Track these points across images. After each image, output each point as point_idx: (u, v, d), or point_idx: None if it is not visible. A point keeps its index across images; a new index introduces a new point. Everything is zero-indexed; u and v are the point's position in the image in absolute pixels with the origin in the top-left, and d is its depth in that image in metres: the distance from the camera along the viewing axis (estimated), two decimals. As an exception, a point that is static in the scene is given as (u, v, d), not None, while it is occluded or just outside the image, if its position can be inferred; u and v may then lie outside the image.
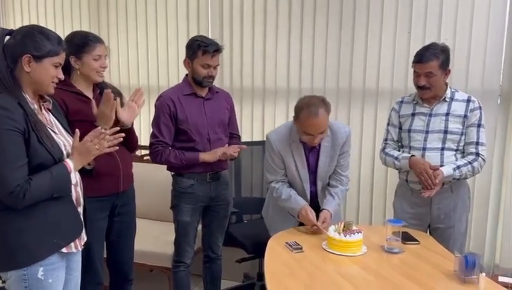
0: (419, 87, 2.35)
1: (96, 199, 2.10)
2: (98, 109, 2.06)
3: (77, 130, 1.73)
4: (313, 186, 2.44)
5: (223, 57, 3.50)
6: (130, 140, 2.21)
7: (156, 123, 2.47)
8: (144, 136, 3.75)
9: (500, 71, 2.91)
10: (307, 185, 2.41)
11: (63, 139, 1.72)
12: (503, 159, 2.98)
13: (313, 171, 2.41)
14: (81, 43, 2.08)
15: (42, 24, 3.97)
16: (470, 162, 2.33)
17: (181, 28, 3.63)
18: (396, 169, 2.51)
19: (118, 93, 2.23)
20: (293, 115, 2.29)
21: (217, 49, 2.42)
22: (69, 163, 1.67)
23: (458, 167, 2.31)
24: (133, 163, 3.31)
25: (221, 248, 2.76)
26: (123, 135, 1.79)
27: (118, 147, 1.79)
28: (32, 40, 1.61)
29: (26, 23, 4.13)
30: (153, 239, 3.00)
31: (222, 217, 2.67)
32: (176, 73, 3.61)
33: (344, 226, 2.11)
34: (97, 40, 2.12)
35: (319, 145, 2.35)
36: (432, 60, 2.28)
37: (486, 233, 3.06)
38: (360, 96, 3.22)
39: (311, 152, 2.39)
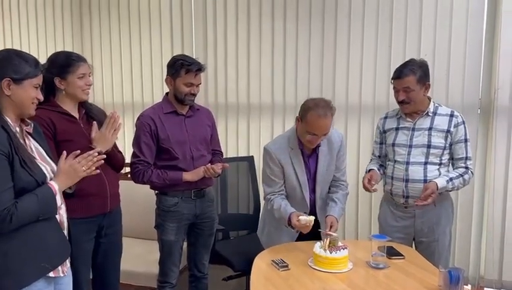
0: (399, 102, 2.40)
1: (83, 220, 2.07)
2: (99, 131, 2.05)
3: (64, 152, 1.71)
4: (312, 194, 2.43)
5: (208, 74, 3.52)
6: (113, 161, 2.20)
7: (136, 143, 2.44)
8: (128, 154, 3.74)
9: (479, 85, 2.97)
10: (306, 193, 2.39)
11: (44, 164, 1.70)
12: (484, 172, 3.02)
13: (312, 178, 2.41)
14: (65, 64, 2.07)
15: (25, 44, 4.03)
16: (461, 175, 2.37)
17: (165, 46, 3.64)
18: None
19: (103, 114, 2.23)
20: (298, 115, 2.29)
21: (199, 68, 2.42)
22: (54, 185, 1.65)
23: (451, 179, 2.35)
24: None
25: (207, 266, 2.72)
26: (104, 157, 1.79)
27: (98, 171, 1.79)
28: (11, 63, 1.60)
29: (8, 45, 4.11)
30: (138, 258, 2.95)
31: (207, 234, 2.64)
32: (160, 90, 3.61)
33: (330, 243, 2.11)
34: (80, 58, 2.12)
35: (317, 149, 2.36)
36: (409, 75, 2.33)
37: (471, 245, 3.09)
38: (343, 111, 3.24)
39: (310, 157, 2.39)
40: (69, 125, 2.08)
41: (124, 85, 3.82)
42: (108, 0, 3.78)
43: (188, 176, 2.42)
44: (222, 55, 3.52)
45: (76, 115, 2.14)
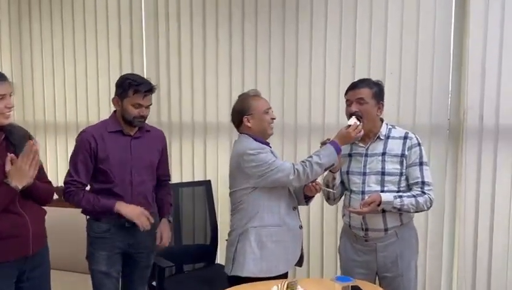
0: (351, 115, 2.22)
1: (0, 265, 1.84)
2: (14, 165, 1.81)
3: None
4: None
5: (160, 91, 3.29)
6: (37, 194, 1.96)
7: (73, 160, 2.27)
8: (61, 178, 3.45)
9: (448, 105, 2.83)
10: None
11: None
12: (455, 196, 2.88)
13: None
14: None
15: None
16: (414, 196, 2.18)
17: (113, 62, 3.39)
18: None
19: (27, 137, 1.96)
20: (245, 116, 2.24)
21: (150, 89, 2.25)
22: None
23: (400, 197, 2.16)
24: (59, 208, 2.97)
25: None
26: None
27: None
28: None
29: None
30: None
31: (143, 266, 2.42)
32: (107, 109, 3.31)
33: (287, 287, 1.88)
34: None
35: None
36: (365, 87, 2.21)
37: (442, 273, 2.94)
38: (306, 131, 3.06)
39: None
40: None
41: (67, 103, 3.54)
42: (50, 10, 3.49)
43: (121, 208, 2.21)
44: (176, 71, 3.29)
45: None
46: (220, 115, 3.22)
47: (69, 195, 2.25)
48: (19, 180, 1.80)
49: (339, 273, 2.50)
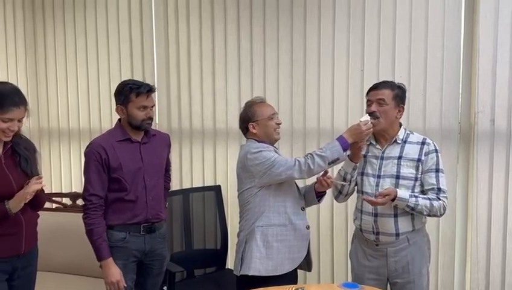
0: (369, 115, 2.21)
1: None
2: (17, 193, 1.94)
3: None
4: None
5: (170, 97, 3.34)
6: (34, 203, 2.05)
7: (86, 174, 2.27)
8: (75, 184, 3.50)
9: (458, 108, 2.80)
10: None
11: None
12: (466, 201, 2.83)
13: None
14: None
15: None
16: (429, 199, 2.16)
17: (124, 68, 3.42)
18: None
19: (31, 150, 2.08)
20: (251, 123, 2.28)
21: (150, 89, 2.30)
22: None
23: (415, 196, 2.14)
24: (62, 213, 3.11)
25: None
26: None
27: None
28: None
29: None
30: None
31: (156, 274, 2.44)
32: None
33: (296, 294, 1.88)
34: (15, 103, 1.91)
35: None
36: (386, 88, 2.21)
37: (454, 279, 2.89)
38: (315, 136, 3.05)
39: None
40: None
41: (80, 110, 3.59)
42: (63, 20, 3.56)
43: (105, 267, 2.25)
44: (186, 78, 3.31)
45: (0, 150, 1.97)
46: (229, 121, 3.22)
47: (85, 215, 2.26)
48: (17, 205, 1.94)
49: (349, 278, 2.49)
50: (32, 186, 1.93)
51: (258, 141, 2.25)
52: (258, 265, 2.18)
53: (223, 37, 3.20)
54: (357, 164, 2.24)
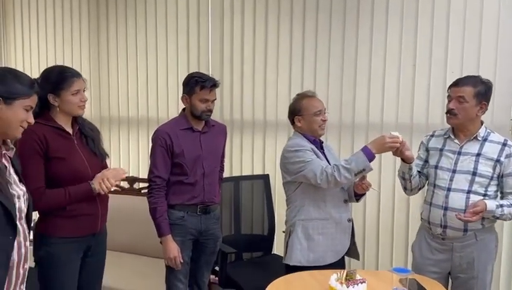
0: (447, 112, 2.21)
1: (73, 239, 2.07)
2: (102, 172, 2.08)
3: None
4: None
5: (223, 89, 3.46)
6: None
7: (152, 157, 2.46)
8: (142, 169, 3.68)
9: (510, 105, 2.78)
10: None
11: (17, 189, 1.64)
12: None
13: None
14: (58, 80, 2.03)
15: (42, 51, 4.08)
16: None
17: (181, 60, 3.60)
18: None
19: (95, 131, 2.23)
20: (297, 116, 2.38)
21: (214, 84, 2.44)
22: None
23: (501, 206, 2.12)
24: (128, 196, 3.34)
25: (206, 284, 2.68)
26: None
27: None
28: (3, 82, 1.55)
29: (27, 49, 4.20)
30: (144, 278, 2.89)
31: (210, 252, 2.60)
32: (175, 106, 3.55)
33: (347, 275, 1.97)
34: (73, 74, 2.08)
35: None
36: (468, 85, 2.14)
37: None
38: (364, 130, 3.09)
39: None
40: (62, 142, 2.06)
41: (139, 99, 3.79)
42: (125, 13, 3.77)
43: (165, 243, 2.43)
44: (238, 70, 3.44)
45: (71, 131, 2.12)
46: (279, 113, 3.31)
47: (150, 195, 2.43)
48: (99, 185, 2.04)
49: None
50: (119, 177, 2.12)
51: (303, 135, 2.35)
52: (299, 256, 2.30)
53: (276, 32, 3.29)
54: (412, 164, 2.25)
